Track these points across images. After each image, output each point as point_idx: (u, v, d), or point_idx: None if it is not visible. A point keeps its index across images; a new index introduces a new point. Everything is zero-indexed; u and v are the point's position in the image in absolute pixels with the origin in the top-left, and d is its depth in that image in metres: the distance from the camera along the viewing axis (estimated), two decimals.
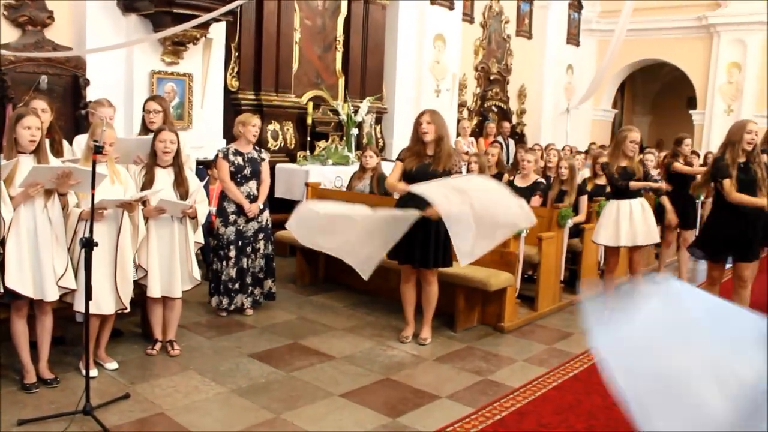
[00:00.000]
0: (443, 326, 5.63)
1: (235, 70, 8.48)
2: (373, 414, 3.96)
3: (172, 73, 7.55)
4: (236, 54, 8.46)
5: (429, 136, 5.12)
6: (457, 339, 5.46)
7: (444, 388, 4.41)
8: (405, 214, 4.83)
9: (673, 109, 17.19)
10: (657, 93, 18.47)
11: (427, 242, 5.13)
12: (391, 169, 5.44)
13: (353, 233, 4.78)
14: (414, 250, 5.15)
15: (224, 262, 5.68)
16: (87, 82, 6.86)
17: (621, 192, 5.85)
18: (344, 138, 9.42)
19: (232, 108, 8.33)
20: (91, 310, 3.90)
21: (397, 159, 5.36)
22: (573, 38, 15.34)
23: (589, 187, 7.25)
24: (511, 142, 12.34)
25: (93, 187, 3.69)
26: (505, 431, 3.82)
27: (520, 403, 4.21)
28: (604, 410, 4.14)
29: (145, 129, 5.23)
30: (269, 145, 8.64)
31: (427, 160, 5.14)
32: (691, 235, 7.49)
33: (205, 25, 7.34)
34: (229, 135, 8.22)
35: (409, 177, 5.22)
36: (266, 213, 5.88)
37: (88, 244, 3.69)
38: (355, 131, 9.48)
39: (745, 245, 5.22)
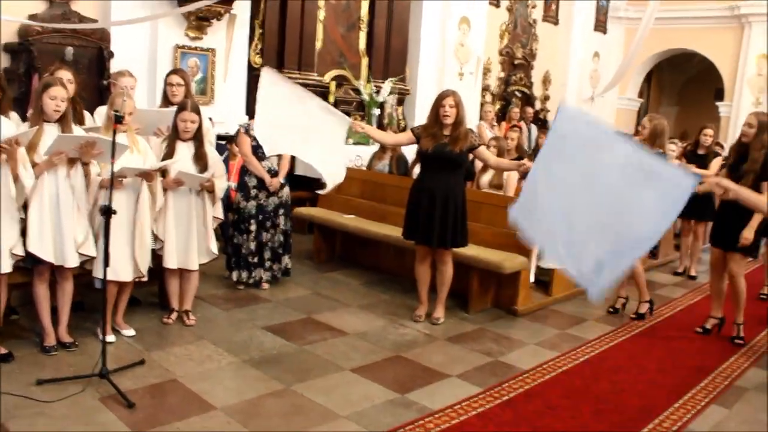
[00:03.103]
0: (457, 307, 5.67)
1: (259, 46, 8.49)
2: (381, 389, 4.01)
3: (195, 48, 7.59)
4: (260, 31, 8.47)
5: (450, 119, 5.13)
6: (469, 320, 5.49)
7: (454, 367, 4.45)
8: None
9: (700, 100, 16.93)
10: (684, 83, 18.20)
11: (444, 222, 5.16)
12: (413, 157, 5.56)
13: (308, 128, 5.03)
14: (431, 231, 5.18)
15: (245, 236, 5.75)
16: (111, 55, 6.92)
17: None
18: (365, 118, 9.42)
19: (255, 84, 8.33)
20: (109, 277, 4.00)
21: (411, 130, 5.45)
22: (600, 25, 15.14)
23: None
24: (534, 127, 12.27)
25: (113, 156, 3.76)
26: (512, 411, 3.85)
27: (529, 385, 4.24)
28: (612, 395, 4.17)
29: (166, 102, 5.28)
30: None
31: (443, 140, 5.15)
32: (703, 227, 7.51)
33: (229, 1, 7.37)
34: (252, 111, 8.28)
35: (425, 158, 5.26)
36: (286, 189, 5.94)
37: (107, 212, 3.77)
38: (376, 111, 9.49)
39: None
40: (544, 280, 6.24)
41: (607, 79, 14.66)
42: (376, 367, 4.38)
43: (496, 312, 5.75)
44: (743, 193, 4.17)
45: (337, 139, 5.20)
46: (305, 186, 7.93)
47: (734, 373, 4.72)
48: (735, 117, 13.95)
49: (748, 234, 5.03)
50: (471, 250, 5.50)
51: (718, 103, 14.90)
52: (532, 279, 5.87)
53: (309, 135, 5.00)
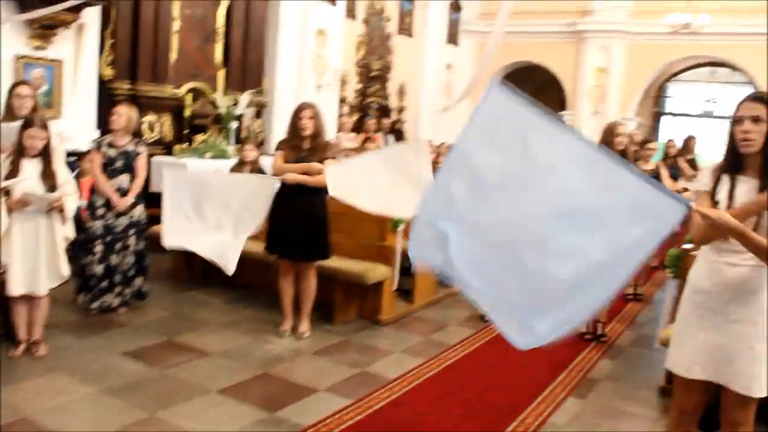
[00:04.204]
0: (322, 320, 5.68)
1: (110, 58, 8.12)
2: (250, 409, 3.95)
3: (39, 59, 7.16)
4: (111, 41, 8.10)
5: (308, 131, 5.15)
6: (335, 332, 5.52)
7: (322, 381, 4.46)
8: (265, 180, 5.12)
9: (545, 109, 17.93)
10: (531, 94, 18.78)
11: (306, 235, 5.17)
12: (271, 163, 5.48)
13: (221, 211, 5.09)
14: (293, 244, 5.18)
15: (90, 257, 5.47)
16: None
17: None
18: (223, 131, 9.25)
19: (106, 98, 7.99)
20: None
21: (277, 149, 5.44)
22: (453, 38, 15.74)
23: None
24: (391, 138, 12.54)
25: None
26: (382, 421, 3.91)
27: (397, 393, 4.33)
28: (478, 396, 4.35)
29: (10, 115, 4.94)
30: (145, 137, 8.36)
31: (303, 153, 5.17)
32: None
33: (77, 9, 7.00)
34: (104, 125, 7.92)
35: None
36: (139, 208, 5.69)
37: None
38: (234, 124, 9.33)
39: None
40: (407, 288, 6.38)
41: (460, 89, 15.24)
42: (244, 386, 4.30)
43: (361, 322, 5.81)
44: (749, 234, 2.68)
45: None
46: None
47: (587, 366, 5.06)
48: (576, 125, 14.90)
49: None
50: (334, 262, 5.53)
51: (561, 113, 15.87)
52: (395, 287, 5.99)
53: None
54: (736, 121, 2.73)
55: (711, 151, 11.39)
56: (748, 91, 14.22)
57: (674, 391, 3.02)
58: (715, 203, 2.79)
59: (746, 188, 2.73)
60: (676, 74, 16.96)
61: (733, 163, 2.79)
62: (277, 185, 5.07)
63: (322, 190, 5.39)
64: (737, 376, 2.74)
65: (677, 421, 3.02)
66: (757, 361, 2.72)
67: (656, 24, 13.68)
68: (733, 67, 15.73)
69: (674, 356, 2.93)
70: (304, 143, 5.19)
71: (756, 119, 2.67)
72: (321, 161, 5.14)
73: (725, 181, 2.80)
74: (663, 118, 18.15)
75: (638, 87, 15.06)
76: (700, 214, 2.57)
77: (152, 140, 8.45)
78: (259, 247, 5.90)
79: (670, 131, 17.28)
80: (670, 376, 4.56)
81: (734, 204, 2.72)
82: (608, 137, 5.54)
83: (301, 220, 5.14)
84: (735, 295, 2.74)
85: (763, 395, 2.75)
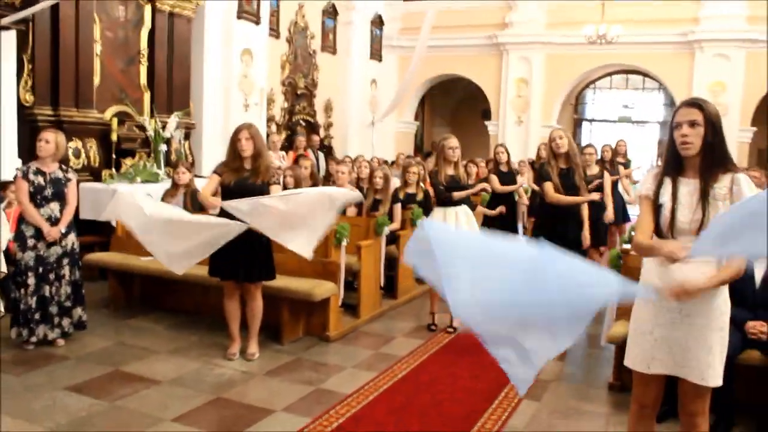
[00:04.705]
0: (269, 340, 5.61)
1: (29, 83, 7.84)
2: None
3: None
4: (29, 66, 7.82)
5: (247, 152, 5.10)
6: (284, 351, 5.46)
7: (277, 401, 4.41)
8: (233, 224, 4.87)
9: (469, 120, 18.32)
10: (455, 105, 19.59)
11: (250, 257, 5.11)
12: (202, 187, 5.38)
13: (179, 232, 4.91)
14: (237, 266, 5.11)
15: (22, 290, 5.25)
16: None
17: (447, 200, 6.12)
18: (152, 155, 9.04)
19: (27, 124, 7.71)
20: None
21: (213, 172, 5.28)
22: (376, 54, 15.89)
23: (401, 195, 7.54)
24: (321, 154, 12.55)
25: None
26: None
27: (355, 408, 4.31)
28: (434, 406, 4.37)
29: None
30: (71, 164, 8.09)
31: (245, 173, 5.11)
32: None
33: None
34: (24, 154, 7.62)
35: (228, 191, 5.17)
36: (72, 236, 5.50)
37: None
38: (163, 147, 9.13)
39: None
40: (351, 303, 6.38)
41: (385, 104, 15.40)
42: (198, 412, 4.20)
43: (309, 340, 5.77)
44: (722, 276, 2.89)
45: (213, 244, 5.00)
46: (93, 230, 7.44)
47: None
48: (502, 134, 15.29)
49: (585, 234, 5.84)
50: (279, 281, 5.47)
51: (486, 123, 16.23)
52: (340, 303, 5.98)
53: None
54: (675, 126, 2.87)
55: (635, 155, 11.92)
56: (660, 96, 15.05)
57: (633, 387, 3.11)
58: (658, 206, 2.92)
59: (688, 189, 2.86)
60: (592, 82, 17.59)
61: (674, 165, 2.92)
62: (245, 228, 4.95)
63: None
64: (693, 368, 2.86)
65: (638, 415, 3.11)
66: (711, 352, 2.85)
67: (572, 34, 14.18)
68: (645, 74, 16.47)
69: (633, 354, 3.03)
70: (245, 164, 5.13)
71: (692, 123, 2.82)
72: (264, 182, 5.10)
73: (667, 183, 2.92)
74: (583, 124, 18.78)
75: (558, 95, 15.55)
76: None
77: (78, 167, 8.18)
78: (199, 272, 5.81)
79: (590, 137, 17.92)
80: (619, 374, 4.73)
81: (678, 205, 2.85)
82: (551, 143, 5.70)
83: (244, 242, 5.06)
84: None
85: (718, 384, 2.88)
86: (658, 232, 2.93)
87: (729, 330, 2.92)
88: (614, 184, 8.80)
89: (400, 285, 7.28)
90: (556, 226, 5.64)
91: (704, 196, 2.82)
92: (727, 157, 2.88)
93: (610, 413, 4.40)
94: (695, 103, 2.86)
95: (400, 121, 17.05)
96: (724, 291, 2.89)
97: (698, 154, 2.84)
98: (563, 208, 5.65)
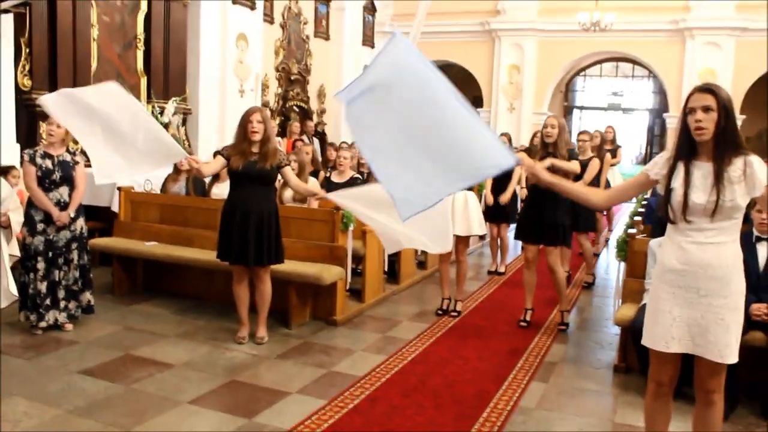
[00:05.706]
0: (277, 324, 5.65)
1: (27, 68, 7.78)
2: (228, 417, 3.90)
3: None
4: (27, 50, 7.76)
5: (258, 136, 5.10)
6: (293, 335, 5.51)
7: (292, 383, 4.45)
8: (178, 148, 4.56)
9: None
10: None
11: (259, 240, 5.13)
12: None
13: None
14: (246, 250, 5.13)
15: (32, 275, 5.25)
16: None
17: None
18: None
19: (25, 109, 7.66)
20: None
21: (219, 153, 5.24)
22: (368, 40, 15.87)
23: None
24: (316, 140, 12.55)
25: None
26: (361, 418, 3.94)
27: (368, 390, 4.37)
28: (446, 388, 4.43)
29: None
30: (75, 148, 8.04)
31: (253, 157, 5.12)
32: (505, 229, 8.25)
33: None
34: (23, 138, 7.59)
35: (236, 176, 5.19)
36: (80, 221, 5.50)
37: None
38: None
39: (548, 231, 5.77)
40: (356, 287, 6.43)
41: None
42: (214, 394, 4.24)
43: (316, 324, 5.82)
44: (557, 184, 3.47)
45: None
46: (94, 216, 7.43)
47: (542, 351, 5.25)
48: (494, 121, 15.35)
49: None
50: (288, 266, 5.51)
51: (478, 110, 16.27)
52: (347, 287, 6.03)
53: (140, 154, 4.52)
54: (688, 111, 2.94)
55: (625, 141, 12.00)
56: (650, 84, 15.15)
57: (650, 366, 3.19)
58: (669, 189, 2.99)
59: (702, 172, 2.93)
60: (582, 69, 17.69)
61: (687, 150, 2.99)
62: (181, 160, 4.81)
63: (272, 194, 5.39)
64: (712, 347, 2.94)
65: (655, 393, 3.19)
66: (729, 331, 2.93)
67: (565, 21, 14.25)
68: (635, 62, 16.58)
69: (652, 333, 3.10)
70: (254, 147, 5.14)
71: (706, 108, 2.89)
72: (272, 166, 5.11)
73: (680, 167, 2.99)
74: (573, 112, 18.89)
75: (550, 82, 15.65)
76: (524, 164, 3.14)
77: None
78: (205, 256, 5.84)
79: (580, 124, 18.03)
80: (624, 355, 4.83)
81: (692, 188, 2.93)
82: (543, 129, 5.76)
83: (253, 225, 5.09)
84: (703, 271, 2.94)
85: (735, 361, 2.97)
86: (669, 213, 3.01)
87: None
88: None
89: (402, 270, 7.34)
90: (529, 209, 5.88)
91: (719, 179, 2.89)
92: (738, 140, 2.96)
93: (618, 393, 4.49)
94: (708, 89, 2.93)
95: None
96: (740, 273, 2.97)
97: (712, 138, 2.91)
98: (540, 192, 5.48)
